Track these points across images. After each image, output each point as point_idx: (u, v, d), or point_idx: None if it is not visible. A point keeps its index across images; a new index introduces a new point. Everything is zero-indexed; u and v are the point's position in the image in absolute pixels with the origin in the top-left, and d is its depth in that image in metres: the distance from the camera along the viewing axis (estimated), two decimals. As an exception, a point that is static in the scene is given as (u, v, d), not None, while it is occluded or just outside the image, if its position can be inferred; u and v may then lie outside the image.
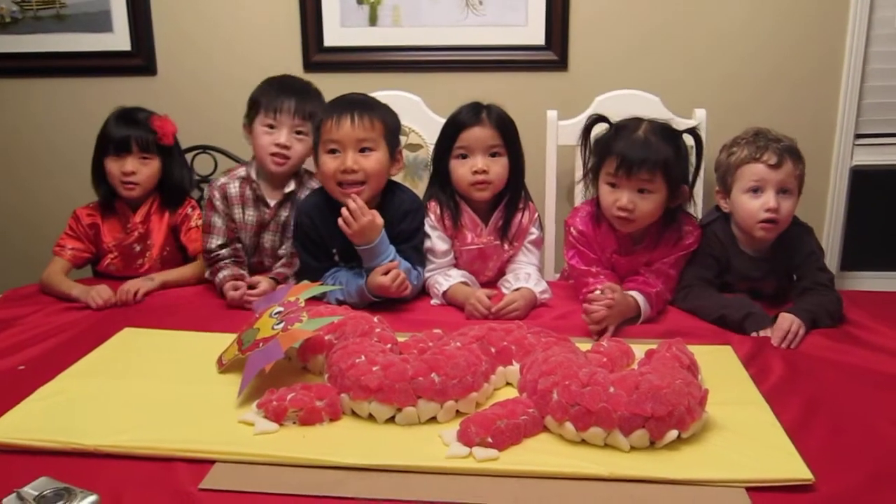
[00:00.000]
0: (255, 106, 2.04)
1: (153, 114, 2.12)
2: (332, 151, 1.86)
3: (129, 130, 2.06)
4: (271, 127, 2.01)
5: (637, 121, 1.80)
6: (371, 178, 1.87)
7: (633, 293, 1.76)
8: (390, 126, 1.92)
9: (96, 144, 2.10)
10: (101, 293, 1.91)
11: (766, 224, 1.76)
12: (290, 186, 2.06)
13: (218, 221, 2.05)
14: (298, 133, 2.02)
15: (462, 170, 1.92)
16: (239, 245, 2.07)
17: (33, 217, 2.77)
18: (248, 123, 2.06)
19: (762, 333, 1.66)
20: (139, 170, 2.07)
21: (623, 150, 1.74)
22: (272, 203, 2.06)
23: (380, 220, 1.84)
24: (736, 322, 1.70)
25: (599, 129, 1.88)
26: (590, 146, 1.86)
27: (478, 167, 1.90)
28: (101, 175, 2.10)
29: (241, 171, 2.09)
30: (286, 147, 2.00)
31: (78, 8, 2.58)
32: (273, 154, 2.00)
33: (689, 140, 1.85)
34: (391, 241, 1.87)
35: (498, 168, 1.92)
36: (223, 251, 2.02)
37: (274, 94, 2.02)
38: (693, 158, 1.86)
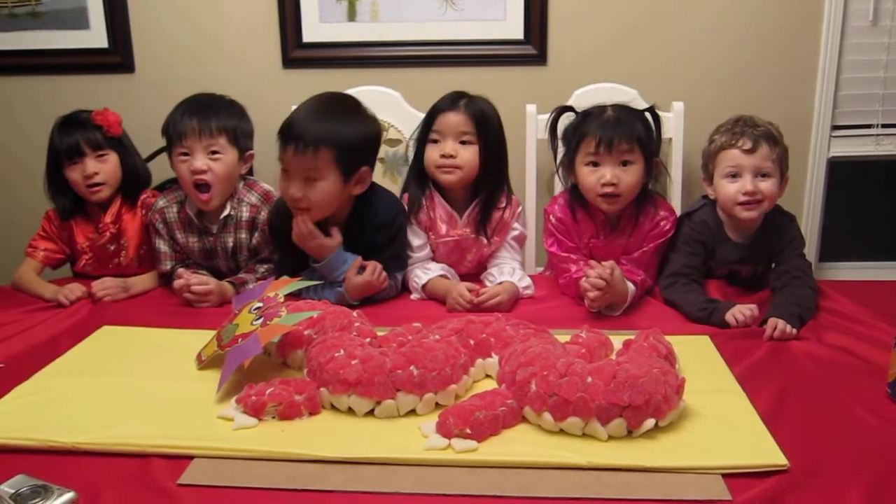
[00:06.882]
0: (168, 138, 1.93)
1: (93, 111, 2.05)
2: (285, 170, 1.80)
3: (75, 134, 2.01)
4: (185, 154, 1.91)
5: (601, 106, 1.87)
6: (316, 207, 1.80)
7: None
8: (344, 147, 1.76)
9: (48, 158, 2.04)
10: (73, 290, 1.90)
11: (745, 205, 1.80)
12: (226, 210, 1.97)
13: (163, 247, 2.01)
14: (213, 153, 1.91)
15: (432, 153, 1.93)
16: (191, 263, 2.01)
17: (11, 216, 2.74)
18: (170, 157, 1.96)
19: (728, 315, 1.66)
20: (100, 169, 2.02)
21: (599, 128, 1.80)
22: (214, 229, 1.99)
23: (333, 242, 1.83)
24: (701, 320, 1.71)
25: (566, 120, 1.93)
26: (558, 137, 1.92)
27: (446, 151, 1.90)
28: (60, 186, 2.05)
29: (181, 194, 2.01)
30: (202, 171, 1.89)
31: (53, 5, 2.56)
32: (195, 184, 1.91)
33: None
34: (366, 249, 1.85)
35: (467, 154, 1.91)
36: (178, 267, 1.98)
37: (178, 118, 1.91)
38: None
